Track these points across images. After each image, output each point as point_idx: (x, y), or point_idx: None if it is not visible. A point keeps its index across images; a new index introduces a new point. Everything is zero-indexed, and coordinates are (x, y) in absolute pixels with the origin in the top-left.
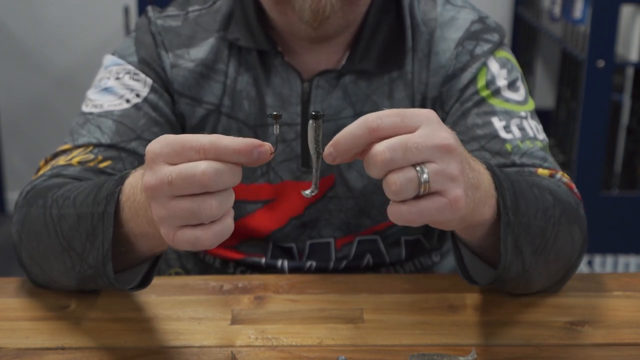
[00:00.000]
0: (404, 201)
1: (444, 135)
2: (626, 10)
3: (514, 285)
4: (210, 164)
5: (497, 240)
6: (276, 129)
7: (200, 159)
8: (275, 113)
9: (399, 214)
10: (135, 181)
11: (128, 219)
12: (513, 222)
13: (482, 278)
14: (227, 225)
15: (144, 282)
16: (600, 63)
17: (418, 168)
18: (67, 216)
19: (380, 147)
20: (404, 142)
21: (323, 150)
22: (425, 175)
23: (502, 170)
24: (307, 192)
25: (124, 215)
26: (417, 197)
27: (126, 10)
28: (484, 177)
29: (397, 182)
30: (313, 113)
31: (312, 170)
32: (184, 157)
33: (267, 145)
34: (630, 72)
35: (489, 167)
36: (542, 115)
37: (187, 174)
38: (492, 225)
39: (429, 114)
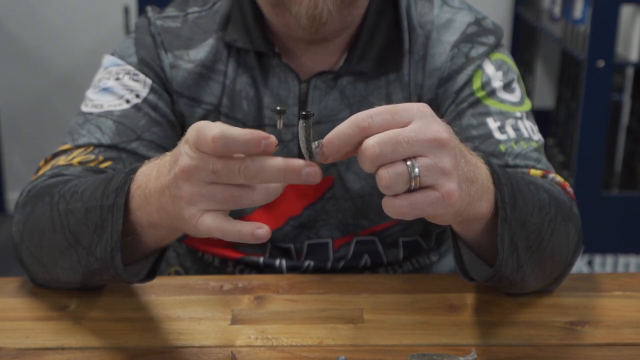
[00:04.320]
0: (397, 195)
1: (437, 128)
2: (626, 10)
3: (510, 282)
4: (253, 160)
5: (494, 236)
6: (279, 124)
7: (212, 149)
8: (279, 108)
9: (392, 207)
10: (150, 170)
11: (137, 207)
12: (510, 218)
13: (480, 275)
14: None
15: (150, 275)
16: (600, 63)
17: (409, 162)
18: (74, 210)
19: (370, 142)
20: (394, 136)
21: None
22: (416, 170)
23: (499, 166)
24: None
25: (133, 204)
26: (410, 190)
27: (126, 10)
28: (481, 171)
29: (386, 177)
30: (303, 113)
31: None
32: (202, 145)
33: (273, 138)
34: (630, 72)
35: (487, 162)
36: (542, 115)
37: (232, 167)
38: (489, 220)
39: (422, 107)
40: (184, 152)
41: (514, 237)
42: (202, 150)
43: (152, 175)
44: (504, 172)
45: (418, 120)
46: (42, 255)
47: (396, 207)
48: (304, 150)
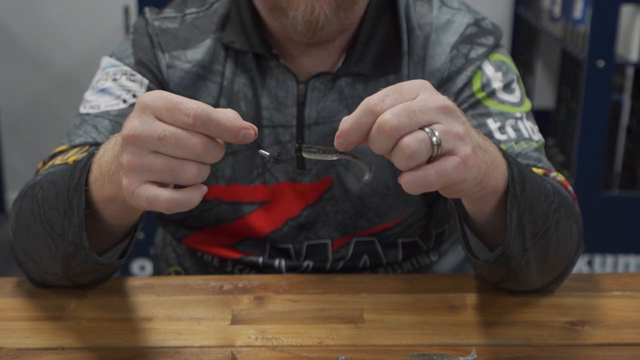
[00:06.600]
0: (417, 167)
1: (442, 97)
2: (626, 10)
3: (515, 265)
4: (204, 137)
5: (504, 215)
6: (266, 154)
7: (189, 124)
8: (279, 155)
9: (415, 180)
10: (109, 142)
11: (92, 181)
12: (519, 197)
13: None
14: (190, 197)
15: (121, 256)
16: (600, 63)
17: (427, 130)
18: (49, 198)
19: (386, 116)
20: (407, 106)
21: (331, 145)
22: (435, 137)
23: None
24: (366, 178)
25: (91, 178)
26: (430, 160)
27: (126, 10)
28: (491, 145)
29: (410, 145)
30: (296, 146)
31: (357, 162)
32: (173, 116)
33: (253, 129)
34: (630, 72)
35: (495, 144)
36: (542, 115)
37: (183, 137)
38: (502, 196)
39: (423, 82)
40: (134, 116)
41: (521, 217)
42: (168, 118)
43: (109, 146)
44: (511, 156)
45: (423, 92)
46: (31, 250)
47: (421, 179)
48: (334, 158)
